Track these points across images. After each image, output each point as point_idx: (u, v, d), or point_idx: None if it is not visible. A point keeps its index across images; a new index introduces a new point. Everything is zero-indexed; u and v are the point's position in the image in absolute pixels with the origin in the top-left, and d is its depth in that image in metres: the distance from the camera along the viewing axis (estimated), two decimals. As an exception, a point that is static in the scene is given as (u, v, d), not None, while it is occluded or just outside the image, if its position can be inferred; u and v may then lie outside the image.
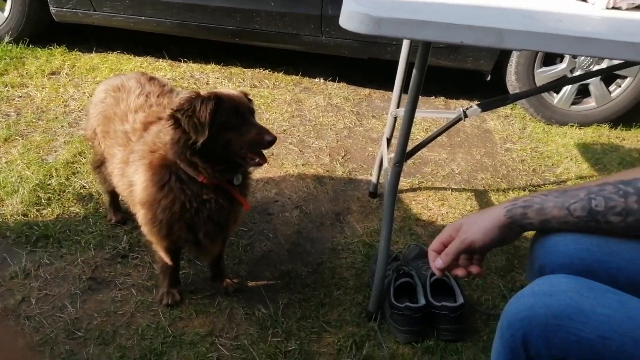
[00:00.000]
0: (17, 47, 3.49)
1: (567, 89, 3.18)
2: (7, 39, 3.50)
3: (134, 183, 1.60)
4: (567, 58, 3.16)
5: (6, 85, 3.08)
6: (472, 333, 1.76)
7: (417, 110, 1.60)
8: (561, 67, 3.18)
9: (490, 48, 2.98)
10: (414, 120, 1.63)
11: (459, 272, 1.06)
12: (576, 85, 3.19)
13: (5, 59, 3.34)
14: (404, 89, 1.95)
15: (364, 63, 3.56)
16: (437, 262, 1.06)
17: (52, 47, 3.57)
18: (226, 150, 1.50)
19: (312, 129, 2.99)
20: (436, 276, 1.76)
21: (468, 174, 2.69)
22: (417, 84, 1.53)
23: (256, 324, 1.74)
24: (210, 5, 3.25)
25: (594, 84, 3.18)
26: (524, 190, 2.57)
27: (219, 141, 1.47)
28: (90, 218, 2.12)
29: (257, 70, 3.62)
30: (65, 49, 3.58)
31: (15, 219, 2.07)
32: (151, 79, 1.87)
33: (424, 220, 2.32)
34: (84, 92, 3.10)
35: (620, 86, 3.19)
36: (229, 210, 1.61)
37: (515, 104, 3.36)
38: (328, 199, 2.41)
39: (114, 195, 2.03)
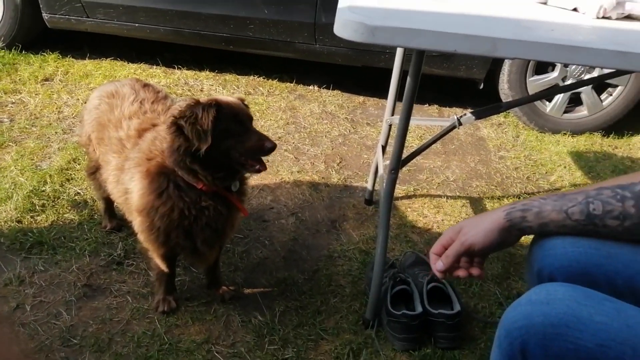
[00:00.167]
0: (9, 53, 3.47)
1: (559, 98, 3.22)
2: (-1, 45, 3.49)
3: (130, 190, 1.60)
4: (558, 67, 3.20)
5: (-1, 91, 3.07)
6: (470, 341, 1.76)
7: (411, 118, 1.61)
8: (553, 75, 3.22)
9: (483, 56, 3.02)
10: (409, 127, 1.65)
11: (460, 273, 1.08)
12: (568, 93, 3.22)
13: (-2, 65, 3.33)
14: (398, 96, 1.97)
15: (358, 71, 3.58)
16: (437, 265, 1.07)
17: (45, 54, 3.55)
18: (226, 157, 1.51)
19: (307, 136, 3.00)
20: (434, 283, 1.77)
21: (463, 182, 2.71)
22: (412, 91, 1.54)
23: (253, 331, 1.74)
24: (204, 12, 3.26)
25: (586, 92, 3.22)
26: (519, 198, 2.59)
27: (220, 148, 1.48)
28: (85, 225, 2.11)
29: (252, 77, 3.63)
30: (58, 55, 3.57)
31: (10, 226, 2.06)
32: (145, 85, 1.87)
33: (419, 228, 2.33)
34: (78, 99, 3.09)
35: (611, 95, 3.23)
36: (226, 216, 1.61)
37: (509, 112, 3.39)
38: (324, 206, 2.42)
39: (109, 201, 2.02)
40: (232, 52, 3.56)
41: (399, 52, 2.09)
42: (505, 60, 3.15)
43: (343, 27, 1.26)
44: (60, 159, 2.49)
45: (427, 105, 3.54)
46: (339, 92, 3.56)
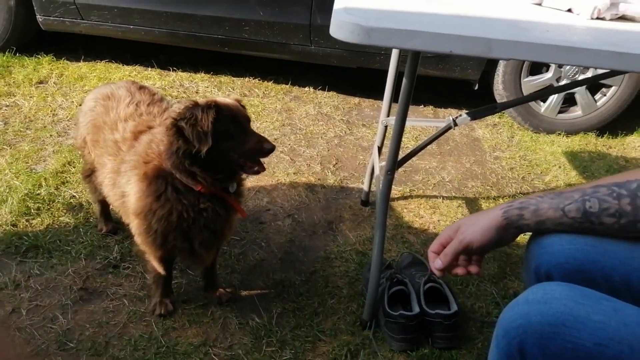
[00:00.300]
0: (3, 56, 3.46)
1: (553, 98, 3.24)
2: (-7, 47, 3.48)
3: (127, 193, 1.59)
4: (553, 67, 3.21)
5: (-7, 94, 3.05)
6: (467, 341, 1.76)
7: (407, 119, 1.61)
8: (547, 76, 3.23)
9: (478, 57, 3.03)
10: (404, 128, 1.65)
11: (459, 270, 1.09)
12: (562, 94, 3.24)
13: (-8, 67, 3.31)
14: (394, 97, 1.97)
15: (353, 72, 3.58)
16: (436, 263, 1.08)
17: (39, 56, 3.54)
18: (225, 159, 1.51)
19: (302, 137, 3.00)
20: (431, 284, 1.78)
21: (458, 182, 2.72)
22: (407, 92, 1.55)
23: (250, 333, 1.74)
24: (199, 14, 3.26)
25: (580, 93, 3.24)
26: (514, 198, 2.60)
27: (219, 150, 1.48)
28: (81, 228, 2.10)
29: (247, 79, 3.63)
30: (52, 58, 3.56)
31: (4, 229, 2.05)
32: (141, 87, 1.87)
33: (416, 228, 2.33)
34: (73, 101, 3.08)
35: (605, 95, 3.25)
36: (224, 218, 1.61)
37: (503, 113, 3.40)
38: (320, 208, 2.42)
39: (104, 204, 2.01)
40: (227, 54, 3.56)
41: (394, 54, 2.10)
42: (500, 61, 3.16)
43: (339, 29, 1.26)
44: (55, 162, 2.48)
45: (423, 106, 3.54)
46: (335, 93, 3.56)
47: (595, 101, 3.27)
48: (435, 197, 2.57)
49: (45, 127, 2.81)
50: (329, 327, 1.79)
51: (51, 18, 3.38)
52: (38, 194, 2.25)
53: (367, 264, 1.99)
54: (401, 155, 1.79)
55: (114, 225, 2.09)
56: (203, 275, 1.87)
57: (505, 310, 0.90)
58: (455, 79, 3.37)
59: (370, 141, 3.00)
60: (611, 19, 1.50)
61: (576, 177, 2.86)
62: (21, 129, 2.76)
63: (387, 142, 1.76)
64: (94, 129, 1.79)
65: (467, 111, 1.92)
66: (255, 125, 3.02)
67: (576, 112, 3.32)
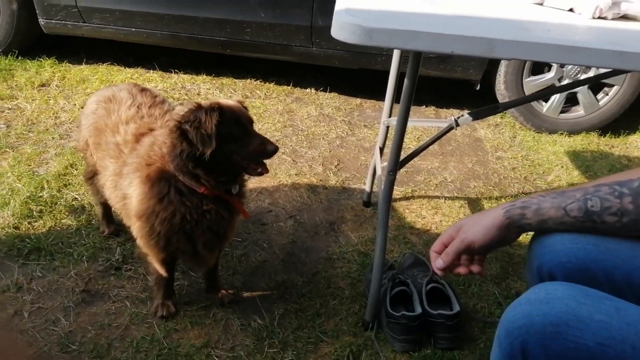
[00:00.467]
0: (5, 59, 3.47)
1: (555, 98, 3.23)
2: (-5, 50, 3.49)
3: (129, 196, 1.59)
4: (554, 67, 3.21)
5: (-4, 97, 3.07)
6: (469, 341, 1.76)
7: (409, 119, 1.61)
8: (549, 76, 3.23)
9: (480, 58, 3.03)
10: (406, 129, 1.65)
11: (461, 270, 1.09)
12: (564, 93, 3.23)
13: (-6, 71, 3.33)
14: (396, 98, 1.97)
15: (355, 73, 3.58)
16: (437, 262, 1.08)
17: (41, 59, 3.55)
18: (229, 161, 1.51)
19: (304, 138, 3.00)
20: (433, 284, 1.77)
21: (460, 182, 2.71)
22: (409, 93, 1.54)
23: (252, 334, 1.74)
24: (201, 16, 3.27)
25: (582, 92, 3.23)
26: (516, 198, 2.60)
27: (223, 152, 1.48)
28: (83, 230, 2.10)
29: (249, 80, 3.63)
30: (54, 61, 3.57)
31: (7, 232, 2.05)
32: (143, 90, 1.87)
33: (418, 229, 2.33)
34: (75, 104, 3.09)
35: (607, 94, 3.24)
36: (227, 219, 1.61)
37: (505, 113, 3.40)
38: (322, 209, 2.42)
39: (106, 207, 2.01)
40: (229, 56, 3.57)
41: (395, 54, 2.09)
42: (502, 61, 3.15)
43: (340, 30, 1.26)
44: (57, 165, 2.49)
45: (424, 106, 3.54)
46: (336, 94, 3.56)
47: (598, 101, 3.26)
48: (438, 197, 2.56)
49: (47, 129, 2.82)
50: (331, 328, 1.78)
51: (53, 21, 3.39)
52: (40, 197, 2.25)
53: (369, 265, 1.99)
54: (403, 155, 1.79)
55: (116, 227, 2.09)
56: (205, 276, 1.87)
57: (507, 311, 0.90)
58: (457, 80, 3.36)
59: (372, 142, 3.00)
60: (613, 19, 1.50)
61: (579, 177, 2.85)
62: (23, 132, 2.77)
63: (389, 143, 1.75)
64: (95, 132, 1.79)
65: (469, 111, 1.91)
66: (257, 127, 3.02)
67: (578, 112, 3.31)
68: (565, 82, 3.21)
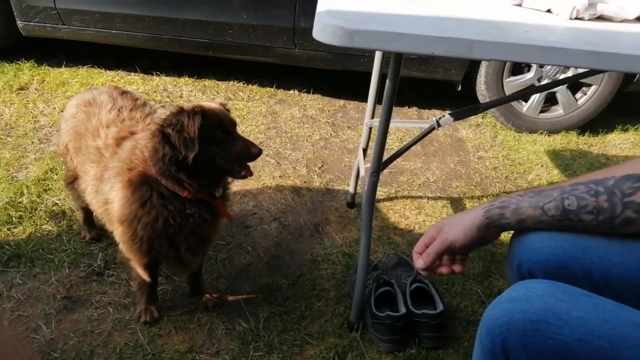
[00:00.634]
0: (-17, 63, 3.41)
1: (535, 98, 3.28)
2: (-28, 54, 3.43)
3: (111, 200, 1.58)
4: (534, 67, 3.26)
5: (-28, 101, 3.01)
6: (453, 340, 1.77)
7: (391, 120, 1.62)
8: (529, 76, 3.27)
9: (460, 58, 3.06)
10: (389, 130, 1.66)
11: (443, 270, 1.10)
12: (544, 93, 3.28)
13: (-29, 74, 3.26)
14: (378, 99, 1.98)
15: (338, 75, 3.59)
16: (418, 263, 1.09)
17: (20, 62, 3.49)
18: (212, 164, 1.50)
19: (288, 140, 3.00)
20: (417, 284, 1.78)
21: (443, 182, 2.74)
22: (391, 94, 1.55)
23: (237, 338, 1.73)
24: (182, 18, 3.25)
25: (561, 92, 3.28)
26: (498, 197, 2.63)
27: (205, 155, 1.47)
28: (64, 236, 2.07)
29: (231, 82, 3.62)
30: (33, 64, 3.52)
31: (-15, 239, 2.02)
32: (123, 92, 1.85)
33: (401, 229, 2.34)
34: (54, 108, 3.05)
35: (586, 94, 3.30)
36: (211, 223, 1.60)
37: (486, 113, 3.44)
38: (306, 210, 2.42)
39: (88, 212, 1.99)
40: (211, 58, 3.55)
41: (377, 56, 2.11)
42: (482, 62, 3.19)
43: (322, 31, 1.26)
44: (37, 170, 2.45)
45: (407, 107, 3.57)
46: (320, 96, 3.57)
47: (576, 100, 3.32)
48: (421, 197, 2.58)
49: (26, 134, 2.77)
50: (316, 330, 1.78)
51: (32, 23, 3.34)
52: (20, 202, 2.22)
53: (354, 266, 2.00)
54: (386, 156, 1.80)
55: (98, 232, 2.06)
56: (189, 281, 1.86)
57: (488, 309, 0.91)
58: (438, 80, 3.39)
59: (355, 143, 3.01)
60: (589, 19, 1.52)
61: (558, 176, 2.90)
62: (2, 137, 2.72)
63: (372, 144, 1.76)
64: (75, 136, 1.77)
65: (450, 112, 1.93)
66: (241, 129, 3.00)
67: (557, 111, 3.36)
68: (544, 82, 3.26)
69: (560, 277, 0.97)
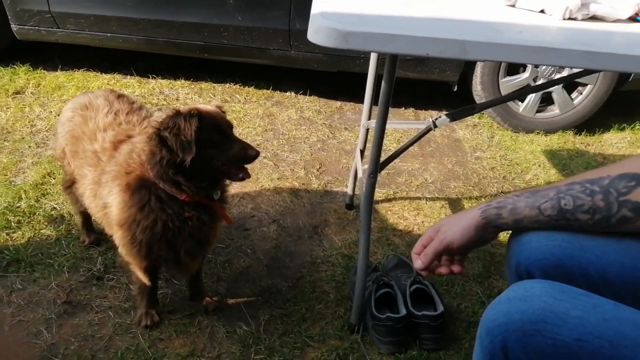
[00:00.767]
0: (-22, 67, 3.40)
1: (531, 97, 3.29)
2: (-33, 58, 3.42)
3: (109, 204, 1.58)
4: (529, 67, 3.27)
5: (-31, 106, 3.00)
6: (454, 341, 1.78)
7: (388, 121, 1.62)
8: (524, 76, 3.28)
9: (455, 59, 3.06)
10: (386, 131, 1.66)
11: (442, 270, 1.11)
12: (540, 93, 3.29)
13: (-34, 79, 3.26)
14: (374, 100, 1.98)
15: (334, 76, 3.60)
16: (416, 263, 1.10)
17: (15, 66, 3.49)
18: (210, 167, 1.50)
19: (285, 142, 3.00)
20: (417, 285, 1.79)
21: (441, 183, 2.75)
22: (387, 95, 1.56)
23: (238, 342, 1.73)
24: (177, 20, 3.25)
25: (557, 91, 3.29)
26: (495, 197, 2.64)
27: (203, 158, 1.47)
28: (63, 240, 2.07)
29: (228, 85, 3.62)
30: (29, 68, 3.51)
31: (-17, 245, 2.01)
32: (120, 96, 1.85)
33: (400, 230, 2.35)
34: (51, 111, 3.04)
35: (581, 93, 3.31)
36: (210, 225, 1.60)
37: (483, 113, 3.45)
38: (305, 212, 2.42)
39: (86, 216, 1.99)
40: (207, 60, 3.54)
41: (373, 57, 2.11)
42: (478, 63, 3.20)
43: (316, 33, 1.27)
44: (34, 174, 2.45)
45: (404, 108, 3.57)
46: (316, 97, 3.57)
47: (572, 100, 3.33)
48: (419, 198, 2.59)
49: (23, 138, 2.77)
50: (317, 332, 1.79)
51: (26, 27, 3.33)
52: (18, 207, 2.21)
53: (353, 268, 2.00)
54: (383, 157, 1.80)
55: (97, 236, 2.06)
56: (189, 284, 1.86)
57: (487, 309, 0.91)
58: (434, 81, 3.40)
59: (353, 144, 3.02)
60: (583, 19, 1.53)
61: (556, 175, 2.91)
62: (-2, 142, 2.71)
63: (370, 145, 1.77)
64: (72, 140, 1.77)
65: (446, 112, 1.94)
66: (238, 131, 3.01)
67: (554, 111, 3.37)
68: (540, 82, 3.27)
69: (558, 276, 0.97)
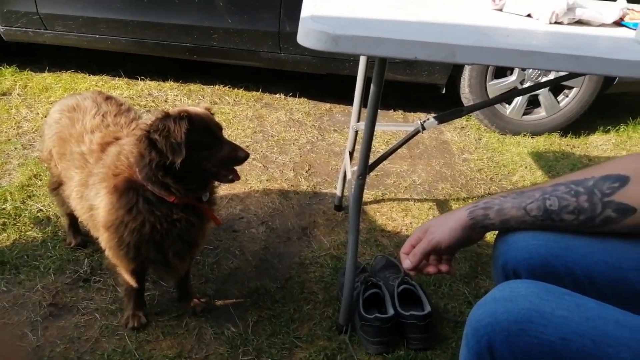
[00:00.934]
0: (-36, 68, 3.36)
1: (518, 100, 3.32)
2: (-48, 59, 3.37)
3: (96, 206, 1.57)
4: (516, 70, 3.30)
5: (-47, 107, 2.96)
6: (441, 341, 1.79)
7: (377, 123, 1.64)
8: (511, 79, 3.32)
9: (443, 62, 3.09)
10: (375, 133, 1.67)
11: (430, 269, 1.12)
12: (527, 96, 3.33)
13: (-49, 80, 3.22)
14: (364, 103, 1.99)
15: (324, 78, 3.61)
16: (405, 263, 1.11)
17: (1, 67, 3.45)
18: (199, 168, 1.50)
19: (275, 144, 3.00)
20: (404, 286, 1.80)
21: (429, 185, 2.76)
22: (376, 98, 1.57)
23: (226, 343, 1.72)
24: (167, 22, 3.23)
25: (543, 94, 3.33)
26: (483, 198, 2.66)
27: (192, 160, 1.46)
28: (49, 242, 2.05)
29: (217, 86, 3.61)
30: (16, 69, 3.48)
31: (-32, 247, 1.99)
32: (108, 98, 1.84)
33: (389, 231, 2.36)
34: (38, 113, 3.02)
35: (567, 96, 3.36)
36: (198, 227, 1.60)
37: (470, 116, 3.48)
38: (294, 214, 2.42)
39: (73, 217, 1.97)
40: (196, 62, 3.54)
41: (362, 60, 2.12)
42: (466, 66, 3.23)
43: (306, 36, 1.27)
44: (20, 176, 2.42)
45: (392, 110, 3.59)
46: (306, 99, 3.58)
47: (558, 102, 3.37)
48: (407, 199, 2.60)
49: (9, 139, 2.74)
50: (306, 333, 1.79)
51: (13, 28, 3.30)
52: (3, 209, 2.19)
53: (342, 269, 2.01)
54: (372, 159, 1.81)
55: (83, 238, 2.05)
56: (177, 285, 1.86)
57: (473, 310, 0.92)
58: (423, 84, 3.43)
59: (342, 146, 3.03)
60: (569, 24, 1.56)
61: (542, 177, 2.94)
62: (-16, 143, 2.68)
63: (359, 147, 1.77)
64: (59, 142, 1.76)
65: (434, 115, 1.96)
66: (227, 133, 3.00)
67: (540, 114, 3.41)
68: (527, 84, 3.31)
69: (544, 275, 0.99)
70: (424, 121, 1.93)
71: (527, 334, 0.84)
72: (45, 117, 2.05)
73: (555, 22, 1.55)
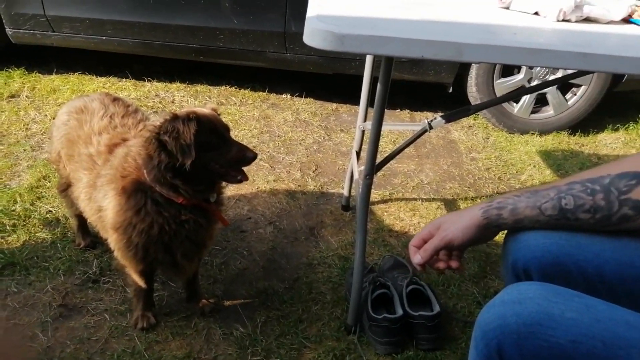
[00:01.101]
0: (-27, 71, 3.39)
1: (526, 99, 3.31)
2: (-38, 62, 3.41)
3: (104, 208, 1.57)
4: (524, 69, 3.28)
5: (-37, 110, 2.99)
6: (450, 341, 1.78)
7: (383, 123, 1.63)
8: (519, 77, 3.30)
9: (450, 61, 3.07)
10: (382, 133, 1.67)
11: (440, 264, 1.11)
12: (534, 94, 3.31)
13: (-39, 83, 3.25)
14: (370, 102, 1.99)
15: (330, 78, 3.60)
16: (416, 258, 1.10)
17: (10, 70, 3.48)
18: (207, 169, 1.50)
19: (281, 144, 3.00)
20: (413, 286, 1.79)
21: (437, 184, 2.75)
22: (382, 97, 1.56)
23: (235, 343, 1.73)
24: (173, 24, 3.25)
25: (551, 93, 3.31)
26: (491, 198, 2.64)
27: (201, 161, 1.46)
28: (58, 243, 2.07)
29: (224, 87, 3.62)
30: (24, 71, 3.50)
31: (-22, 249, 2.00)
32: (115, 99, 1.85)
33: (396, 231, 2.35)
34: (46, 115, 3.04)
35: (576, 94, 3.33)
36: (206, 228, 1.60)
37: (478, 115, 3.46)
38: (301, 214, 2.42)
39: (81, 219, 1.98)
40: (203, 63, 3.55)
41: (368, 59, 2.12)
42: (473, 64, 3.21)
43: (312, 36, 1.27)
44: (29, 177, 2.44)
45: (399, 110, 3.58)
46: (312, 99, 3.58)
47: (566, 100, 3.35)
48: (415, 199, 2.60)
49: (18, 141, 2.76)
50: (314, 333, 1.79)
51: (21, 31, 3.32)
52: (13, 210, 2.21)
53: (350, 269, 2.00)
54: (379, 159, 1.81)
55: (92, 239, 2.06)
56: (185, 286, 1.86)
57: (482, 312, 0.91)
58: (430, 83, 3.41)
59: (348, 146, 3.02)
60: (576, 21, 1.54)
61: (551, 176, 2.92)
62: (-7, 145, 2.71)
63: (366, 147, 1.77)
64: (68, 143, 1.77)
65: (441, 114, 1.95)
66: (234, 134, 2.99)
67: (548, 112, 3.39)
68: (534, 83, 3.29)
69: (556, 273, 0.98)
70: (431, 120, 1.92)
71: (536, 337, 0.84)
72: (54, 118, 2.07)
73: (563, 20, 1.53)
